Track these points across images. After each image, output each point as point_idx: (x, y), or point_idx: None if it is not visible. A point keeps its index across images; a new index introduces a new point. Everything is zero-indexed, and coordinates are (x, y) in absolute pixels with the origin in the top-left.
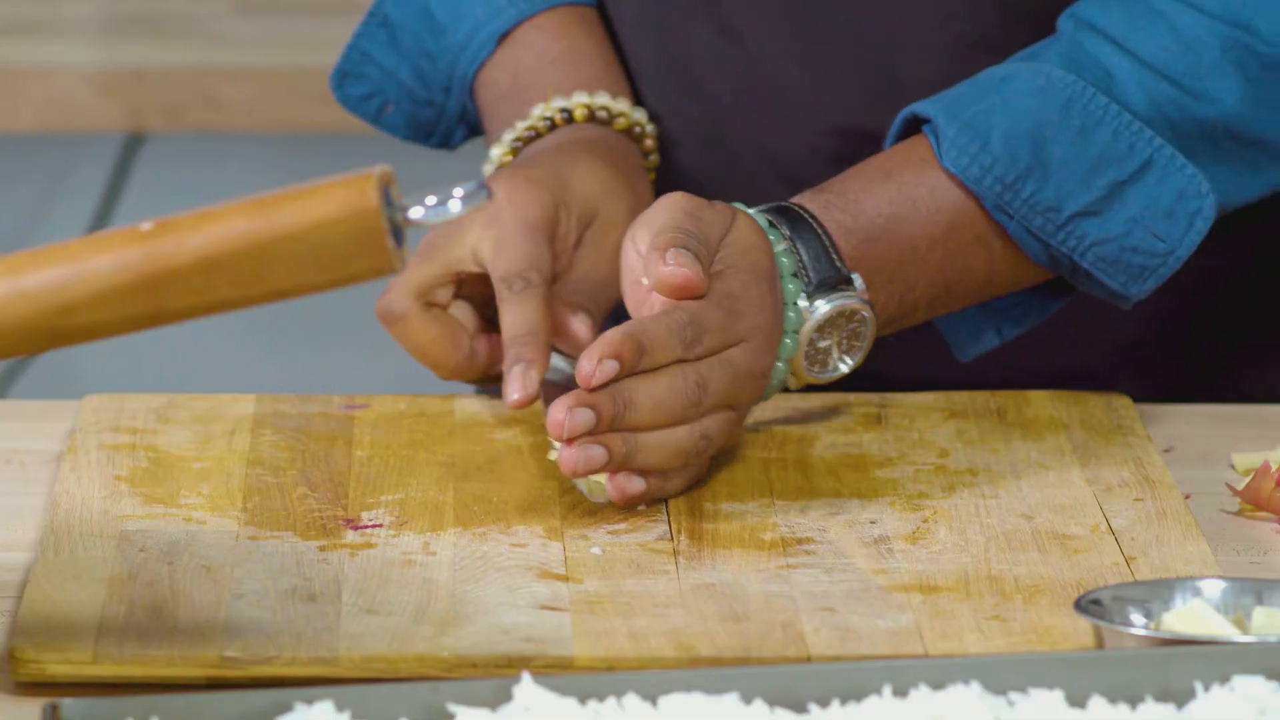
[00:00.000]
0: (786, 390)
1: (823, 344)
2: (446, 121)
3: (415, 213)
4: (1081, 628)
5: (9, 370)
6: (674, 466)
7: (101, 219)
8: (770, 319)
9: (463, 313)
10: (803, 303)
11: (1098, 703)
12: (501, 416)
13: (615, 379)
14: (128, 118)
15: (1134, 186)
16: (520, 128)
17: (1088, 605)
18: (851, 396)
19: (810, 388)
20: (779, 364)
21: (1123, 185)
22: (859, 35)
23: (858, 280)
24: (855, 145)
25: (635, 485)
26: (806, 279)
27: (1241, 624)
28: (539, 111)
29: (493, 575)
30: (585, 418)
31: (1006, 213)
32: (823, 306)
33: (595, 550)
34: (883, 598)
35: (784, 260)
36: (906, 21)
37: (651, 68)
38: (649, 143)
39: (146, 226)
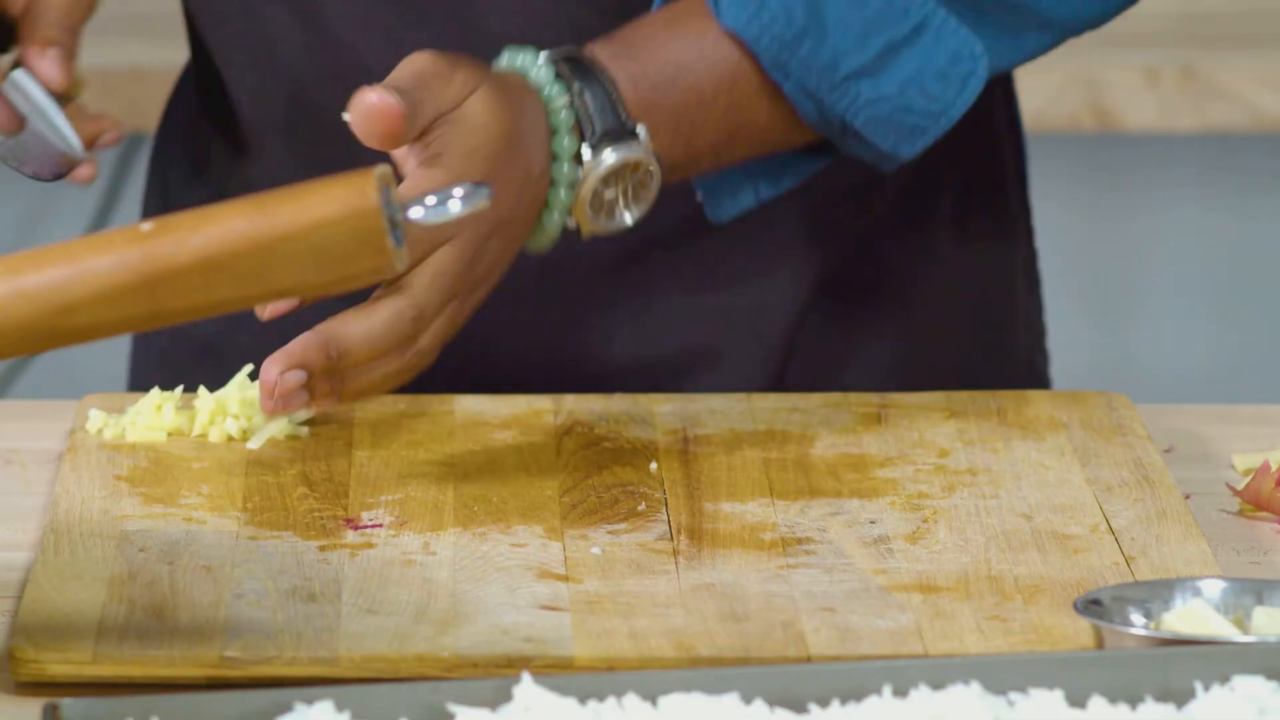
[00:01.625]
0: (571, 233)
1: (608, 195)
2: None
3: (415, 212)
4: (1081, 628)
5: (9, 370)
6: (377, 393)
7: (101, 219)
8: (511, 211)
9: None
10: (586, 155)
11: (1098, 703)
12: (501, 416)
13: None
14: (128, 118)
15: (908, 48)
16: None
17: (1088, 605)
18: (851, 396)
19: (810, 387)
20: (553, 213)
21: (897, 47)
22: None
23: (643, 132)
24: None
25: (328, 406)
26: (591, 130)
27: (1241, 624)
28: None
29: (493, 575)
30: (297, 379)
31: (784, 71)
32: (608, 159)
33: (595, 550)
34: (883, 598)
35: (562, 115)
36: None
37: (237, 53)
38: None
39: (146, 226)
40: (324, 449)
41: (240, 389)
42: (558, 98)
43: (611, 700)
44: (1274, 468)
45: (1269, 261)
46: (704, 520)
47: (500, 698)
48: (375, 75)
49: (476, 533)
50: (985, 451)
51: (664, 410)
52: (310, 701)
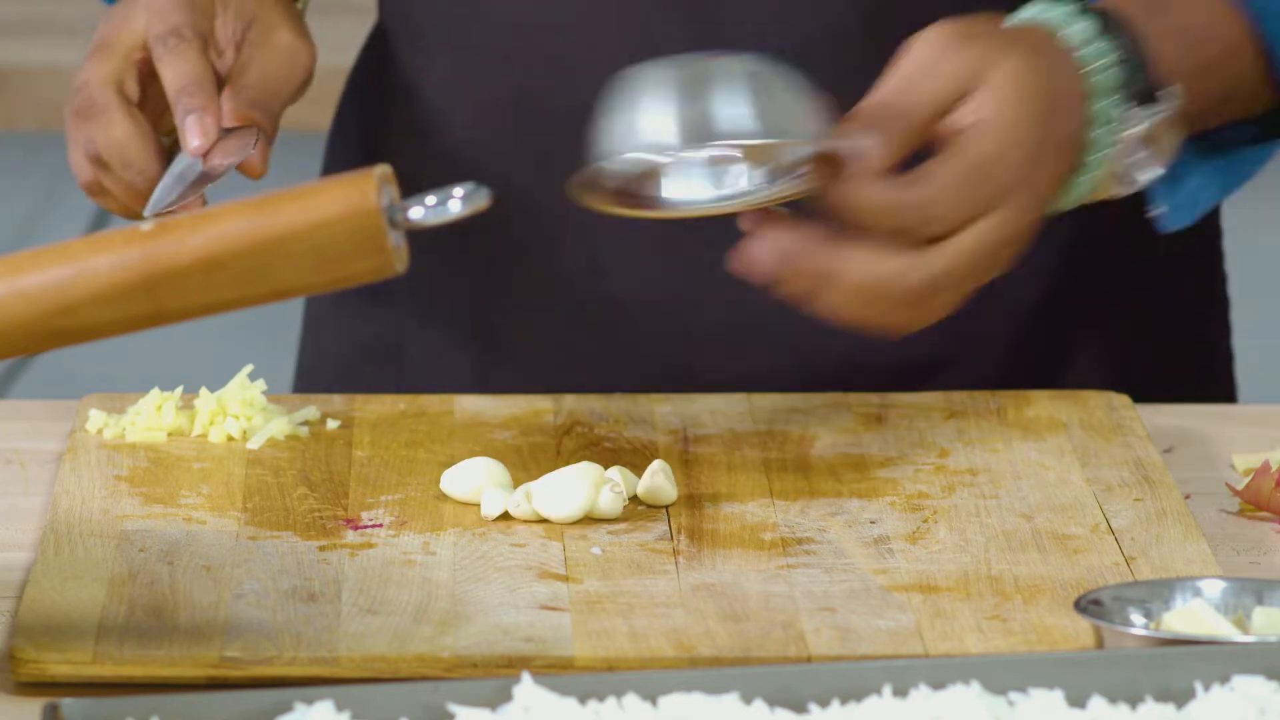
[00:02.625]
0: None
1: (1134, 157)
2: None
3: (415, 213)
4: (1081, 628)
5: (9, 370)
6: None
7: (101, 219)
8: (1031, 175)
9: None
10: (1122, 115)
11: (1098, 703)
12: (501, 416)
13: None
14: None
15: None
16: None
17: (1088, 605)
18: (851, 397)
19: (810, 387)
20: (1089, 173)
21: None
22: None
23: (1177, 92)
24: None
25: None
26: (1126, 91)
27: (1241, 624)
28: None
29: (493, 575)
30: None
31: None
32: (1145, 121)
33: (595, 550)
34: (883, 598)
35: (1107, 74)
36: None
37: (449, 33)
38: None
39: (146, 226)
40: (324, 449)
41: (240, 389)
42: (1101, 57)
43: (611, 700)
44: (1274, 468)
45: (1269, 261)
46: (704, 520)
47: (500, 698)
48: (600, 65)
49: (476, 533)
50: (985, 451)
51: (664, 410)
52: (310, 701)
